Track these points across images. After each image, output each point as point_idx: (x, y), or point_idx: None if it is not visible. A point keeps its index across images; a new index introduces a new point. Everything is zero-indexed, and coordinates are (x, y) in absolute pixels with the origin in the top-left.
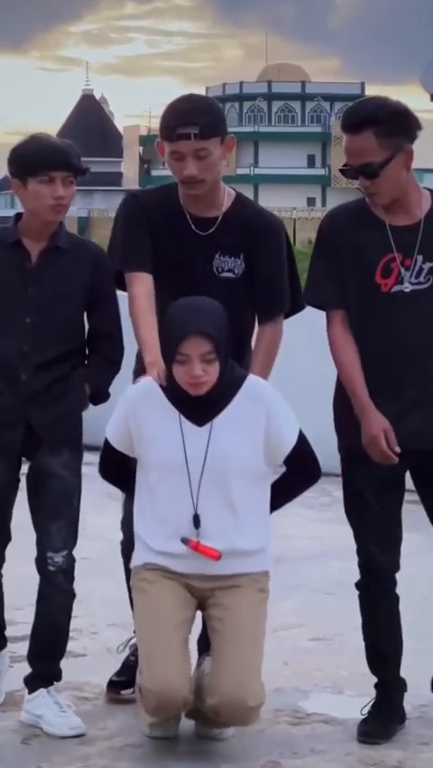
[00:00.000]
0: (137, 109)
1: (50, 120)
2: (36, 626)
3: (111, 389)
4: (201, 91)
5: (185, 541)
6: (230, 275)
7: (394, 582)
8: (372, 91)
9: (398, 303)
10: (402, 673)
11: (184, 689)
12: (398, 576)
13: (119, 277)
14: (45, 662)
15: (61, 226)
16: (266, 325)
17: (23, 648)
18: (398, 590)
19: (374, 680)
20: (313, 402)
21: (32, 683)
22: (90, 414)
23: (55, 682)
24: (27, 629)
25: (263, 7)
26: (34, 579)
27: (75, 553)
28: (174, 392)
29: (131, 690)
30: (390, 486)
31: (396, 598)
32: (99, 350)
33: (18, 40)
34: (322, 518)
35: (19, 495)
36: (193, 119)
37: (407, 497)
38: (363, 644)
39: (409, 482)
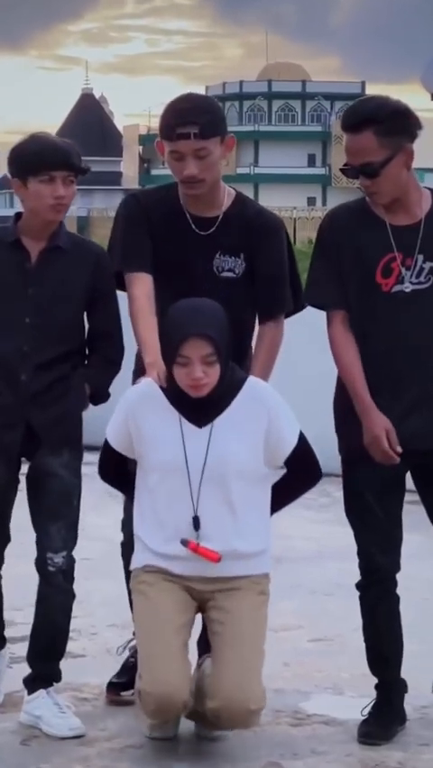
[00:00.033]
0: (137, 108)
1: (49, 119)
2: (36, 627)
3: (111, 389)
4: (201, 90)
5: (184, 543)
6: (231, 274)
7: (395, 583)
8: (372, 90)
9: (398, 303)
10: (403, 674)
11: (184, 692)
12: (398, 577)
13: (119, 277)
14: (45, 662)
15: (61, 226)
16: (267, 325)
17: (22, 649)
18: (398, 591)
19: (375, 681)
20: (313, 402)
21: (32, 684)
22: (90, 414)
23: (55, 683)
24: (26, 630)
25: (263, 6)
26: (33, 579)
27: (75, 553)
28: (174, 393)
29: (130, 691)
30: (390, 487)
31: (397, 600)
32: (99, 350)
33: (17, 38)
34: (322, 519)
35: (18, 495)
36: (193, 118)
37: (407, 497)
38: (363, 645)
39: (409, 483)
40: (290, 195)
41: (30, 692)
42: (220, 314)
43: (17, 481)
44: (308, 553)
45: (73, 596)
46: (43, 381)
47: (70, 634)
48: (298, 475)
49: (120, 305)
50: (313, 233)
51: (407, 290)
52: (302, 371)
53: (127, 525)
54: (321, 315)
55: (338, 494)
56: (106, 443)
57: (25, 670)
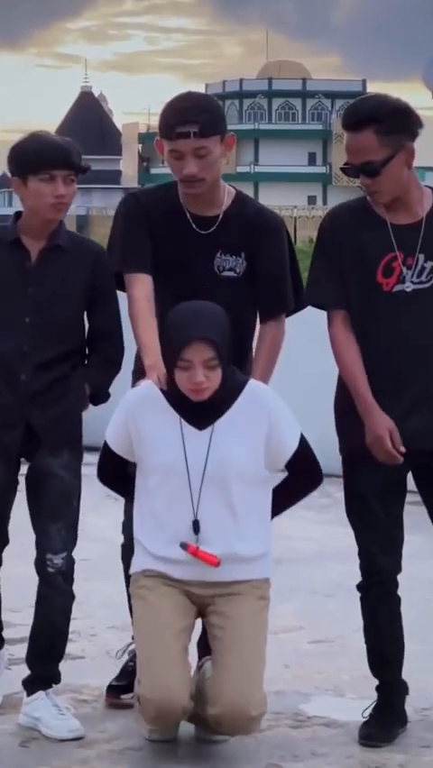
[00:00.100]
0: (136, 106)
1: (48, 117)
2: (35, 628)
3: (111, 389)
4: (201, 88)
5: (184, 546)
6: (231, 274)
7: (396, 585)
8: (373, 88)
9: (399, 302)
10: (404, 676)
11: (183, 698)
12: (399, 577)
13: (119, 278)
14: (44, 664)
15: (61, 225)
16: (268, 325)
17: (21, 650)
18: (399, 592)
19: (376, 682)
20: (314, 402)
21: (31, 686)
22: (90, 414)
23: (54, 685)
24: (25, 631)
25: (264, 3)
26: (32, 580)
27: (74, 554)
28: (175, 396)
29: (130, 694)
30: (392, 487)
31: (398, 601)
32: (99, 350)
33: (16, 36)
34: (322, 520)
35: (18, 496)
36: (192, 117)
37: (408, 498)
38: (364, 646)
39: (410, 483)
40: (290, 193)
41: (29, 694)
42: (222, 317)
43: (16, 482)
44: (309, 554)
45: (73, 597)
46: (43, 381)
47: (70, 635)
48: (299, 478)
49: (120, 305)
50: (313, 232)
51: (408, 290)
52: (303, 371)
53: (128, 527)
54: (322, 314)
55: (339, 495)
56: (106, 445)
57: (24, 671)
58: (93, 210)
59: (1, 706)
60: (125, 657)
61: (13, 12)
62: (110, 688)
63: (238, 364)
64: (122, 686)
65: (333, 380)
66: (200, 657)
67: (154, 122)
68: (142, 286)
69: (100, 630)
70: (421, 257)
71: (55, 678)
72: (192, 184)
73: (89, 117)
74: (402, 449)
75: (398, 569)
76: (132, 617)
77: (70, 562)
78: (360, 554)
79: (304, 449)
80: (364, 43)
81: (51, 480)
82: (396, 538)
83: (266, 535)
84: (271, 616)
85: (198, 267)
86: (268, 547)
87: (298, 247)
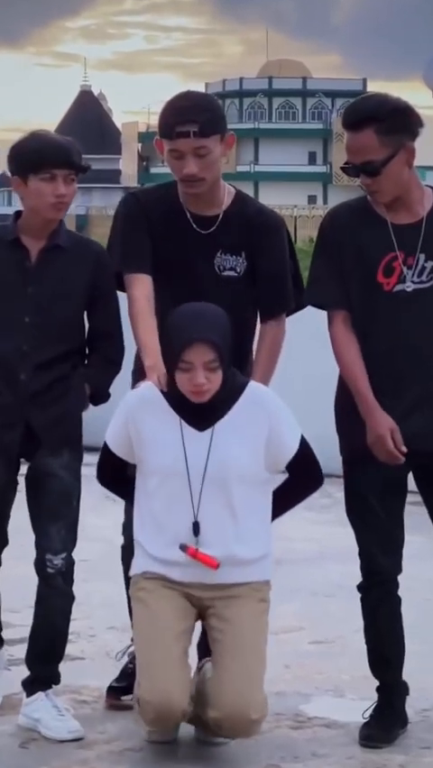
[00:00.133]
0: (136, 105)
1: (47, 116)
2: (34, 629)
3: (111, 390)
4: (201, 87)
5: (183, 548)
6: (232, 273)
7: (396, 585)
8: (374, 87)
9: (400, 302)
10: (404, 676)
11: (183, 701)
12: (399, 578)
13: (118, 278)
14: (43, 665)
15: (61, 224)
16: (269, 324)
17: (20, 651)
18: (399, 592)
19: (376, 683)
20: (314, 401)
21: (30, 686)
22: (90, 414)
23: (53, 686)
24: (25, 632)
25: (264, 2)
26: (32, 580)
27: (74, 554)
28: (175, 397)
29: (130, 696)
30: (392, 487)
31: (398, 601)
32: (99, 349)
33: (15, 35)
34: (322, 520)
35: (18, 496)
36: (192, 117)
37: (409, 498)
38: (364, 647)
39: (411, 484)
40: (290, 193)
41: (28, 695)
42: (223, 319)
43: (16, 482)
44: (309, 555)
45: (72, 598)
46: (43, 381)
47: (69, 636)
48: (299, 480)
49: (120, 305)
50: (314, 231)
51: (408, 289)
52: (303, 370)
53: (128, 528)
54: (322, 314)
55: (339, 495)
56: (106, 446)
57: (24, 672)
58: (92, 210)
59: (0, 707)
60: (125, 659)
61: (12, 10)
62: (110, 689)
63: (239, 364)
64: (122, 687)
65: (333, 380)
66: (200, 658)
67: (154, 121)
68: (141, 286)
69: (100, 631)
70: (422, 257)
71: (55, 679)
72: (192, 183)
73: (89, 116)
74: (404, 449)
75: (398, 569)
76: (131, 619)
77: (70, 563)
78: (360, 555)
79: (305, 450)
80: (365, 42)
81: (51, 480)
82: (396, 538)
83: (266, 537)
84: (272, 616)
85: (199, 267)
86: (268, 549)
87: (298, 246)
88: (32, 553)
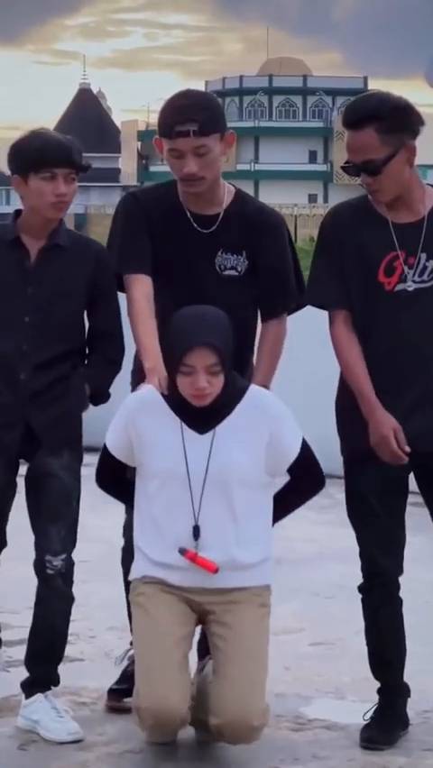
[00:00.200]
0: (135, 104)
1: (46, 115)
2: (34, 630)
3: (111, 390)
4: (200, 85)
5: (182, 551)
6: (233, 273)
7: (397, 586)
8: (374, 85)
9: (401, 302)
10: (405, 678)
11: (183, 708)
12: (400, 579)
13: (119, 278)
14: (43, 666)
15: (61, 223)
16: (270, 323)
17: (19, 652)
18: (400, 594)
19: (377, 685)
20: (315, 401)
21: (29, 688)
22: (90, 414)
23: (53, 687)
24: (24, 633)
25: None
26: (31, 581)
27: (74, 555)
28: (175, 400)
29: (131, 698)
30: (393, 488)
31: (399, 602)
32: (99, 349)
33: (13, 33)
34: (323, 521)
35: (17, 497)
36: (192, 115)
37: (410, 499)
38: (365, 648)
39: (411, 484)
40: (290, 192)
41: (27, 696)
42: (224, 321)
43: (15, 483)
44: (310, 555)
45: (72, 599)
46: (43, 381)
47: (69, 637)
48: (301, 483)
49: (120, 305)
50: (314, 230)
51: (410, 289)
52: (303, 370)
53: (128, 529)
54: (323, 313)
55: (340, 495)
56: (106, 449)
57: (23, 673)
58: (91, 208)
59: None
60: (125, 663)
61: (11, 8)
62: (111, 691)
63: (240, 364)
64: (123, 689)
65: (334, 380)
66: (201, 658)
67: (153, 119)
68: (141, 287)
69: (99, 632)
70: (423, 256)
71: (54, 680)
72: (192, 183)
73: (88, 114)
74: (407, 449)
75: (399, 570)
76: (131, 624)
77: (70, 564)
78: (361, 556)
79: (306, 454)
80: (366, 40)
81: (51, 480)
82: (397, 539)
83: (267, 541)
84: (272, 617)
85: (199, 266)
86: (269, 553)
87: (298, 246)
88: (32, 554)
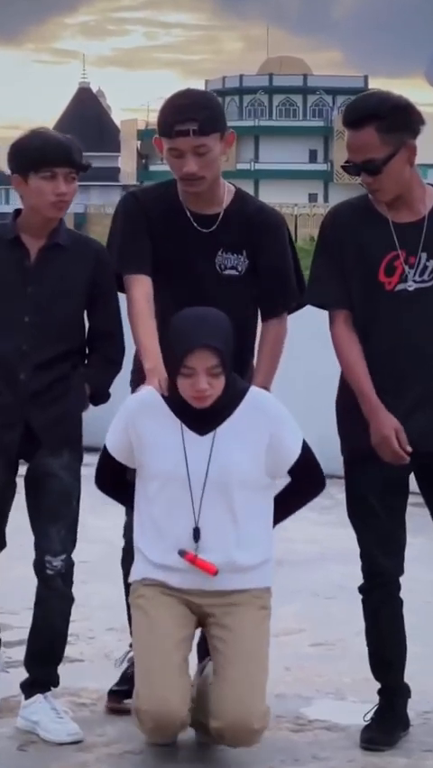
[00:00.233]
0: (135, 103)
1: (45, 114)
2: (33, 631)
3: (111, 390)
4: (200, 84)
5: (182, 553)
6: (233, 272)
7: (398, 587)
8: (375, 84)
9: (402, 301)
10: (405, 679)
11: (182, 710)
12: (401, 580)
13: (119, 278)
14: (42, 667)
15: (61, 223)
16: (270, 323)
17: (19, 653)
18: (400, 594)
19: (377, 686)
20: (315, 401)
21: (29, 689)
22: (90, 414)
23: (52, 688)
24: (23, 634)
25: None
26: (31, 582)
27: (73, 556)
28: (176, 401)
29: (131, 699)
30: (394, 489)
31: (400, 603)
32: (99, 349)
33: (13, 32)
34: (324, 521)
35: (17, 497)
36: (191, 115)
37: (410, 499)
38: (365, 649)
39: (412, 485)
40: (291, 191)
41: (27, 697)
42: (225, 323)
43: (15, 483)
44: (310, 556)
45: (72, 599)
46: (43, 381)
47: (68, 638)
48: (301, 484)
49: (120, 305)
50: (315, 229)
51: (410, 289)
52: (303, 369)
53: (129, 530)
54: (324, 312)
55: (341, 496)
56: (105, 451)
57: (22, 674)
58: (91, 208)
59: None
60: (125, 665)
61: (10, 7)
62: (111, 693)
63: (240, 364)
64: (123, 691)
65: (334, 380)
66: (201, 659)
67: (153, 118)
68: (141, 287)
69: (99, 633)
70: (424, 255)
71: (53, 681)
72: (192, 182)
73: (87, 113)
74: (409, 449)
75: (400, 571)
76: (131, 626)
77: (69, 564)
78: (361, 556)
79: (306, 455)
80: (366, 39)
81: (51, 480)
82: (398, 540)
83: (267, 543)
84: (272, 618)
85: (199, 266)
86: (269, 555)
87: (299, 245)
88: (32, 554)
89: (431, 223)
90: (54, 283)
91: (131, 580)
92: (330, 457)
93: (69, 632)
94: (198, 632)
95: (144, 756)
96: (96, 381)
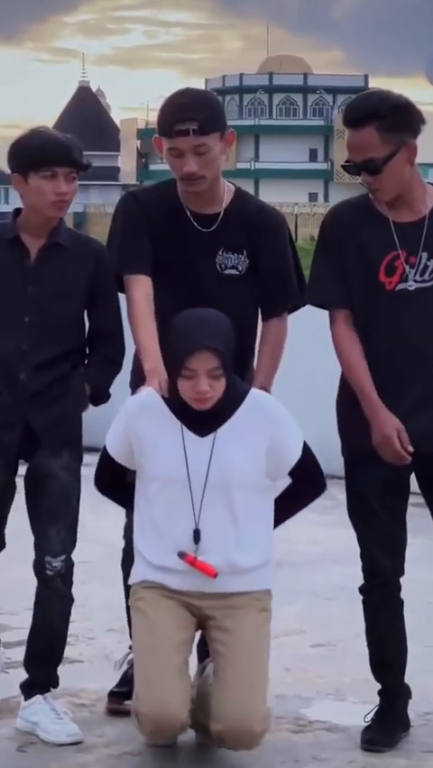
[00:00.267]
0: (134, 102)
1: (45, 113)
2: (33, 632)
3: (111, 390)
4: (200, 83)
5: (182, 555)
6: (234, 272)
7: (399, 587)
8: (375, 83)
9: (402, 301)
10: (406, 680)
11: (182, 713)
12: (401, 580)
13: (119, 278)
14: (42, 667)
15: (61, 222)
16: (271, 322)
17: (18, 654)
18: (401, 595)
19: (378, 686)
20: (315, 401)
21: (29, 690)
22: (90, 415)
23: (52, 689)
24: (23, 634)
25: None
26: (30, 582)
27: (73, 556)
28: (176, 402)
29: (131, 700)
30: (394, 489)
31: (400, 604)
32: (99, 349)
33: (12, 31)
34: (324, 522)
35: (16, 498)
36: (191, 114)
37: (411, 499)
38: (366, 650)
39: (412, 485)
40: (291, 190)
41: (26, 698)
42: (226, 324)
43: (15, 483)
44: (311, 557)
45: (71, 600)
46: (43, 381)
47: (68, 638)
48: (302, 486)
49: (120, 305)
50: (315, 229)
51: (411, 288)
52: (304, 369)
53: (129, 531)
54: (324, 312)
55: (342, 496)
56: (105, 452)
57: (22, 675)
58: (90, 207)
59: None
60: (125, 667)
61: (10, 6)
62: (111, 694)
63: (241, 364)
64: (123, 692)
65: (335, 380)
66: (201, 659)
67: (153, 117)
68: (141, 287)
69: (99, 633)
70: (424, 255)
71: (53, 682)
72: (192, 182)
73: (87, 113)
74: (411, 448)
75: (401, 571)
76: (130, 629)
77: (69, 565)
78: (362, 556)
79: (307, 457)
80: (367, 38)
81: (51, 480)
82: (398, 540)
83: (267, 545)
84: (273, 619)
85: (200, 265)
86: (269, 557)
87: (299, 245)
88: (31, 555)
89: (432, 222)
90: (54, 283)
91: (130, 582)
92: (331, 457)
93: (69, 633)
94: (198, 633)
95: (144, 757)
96: (96, 381)
